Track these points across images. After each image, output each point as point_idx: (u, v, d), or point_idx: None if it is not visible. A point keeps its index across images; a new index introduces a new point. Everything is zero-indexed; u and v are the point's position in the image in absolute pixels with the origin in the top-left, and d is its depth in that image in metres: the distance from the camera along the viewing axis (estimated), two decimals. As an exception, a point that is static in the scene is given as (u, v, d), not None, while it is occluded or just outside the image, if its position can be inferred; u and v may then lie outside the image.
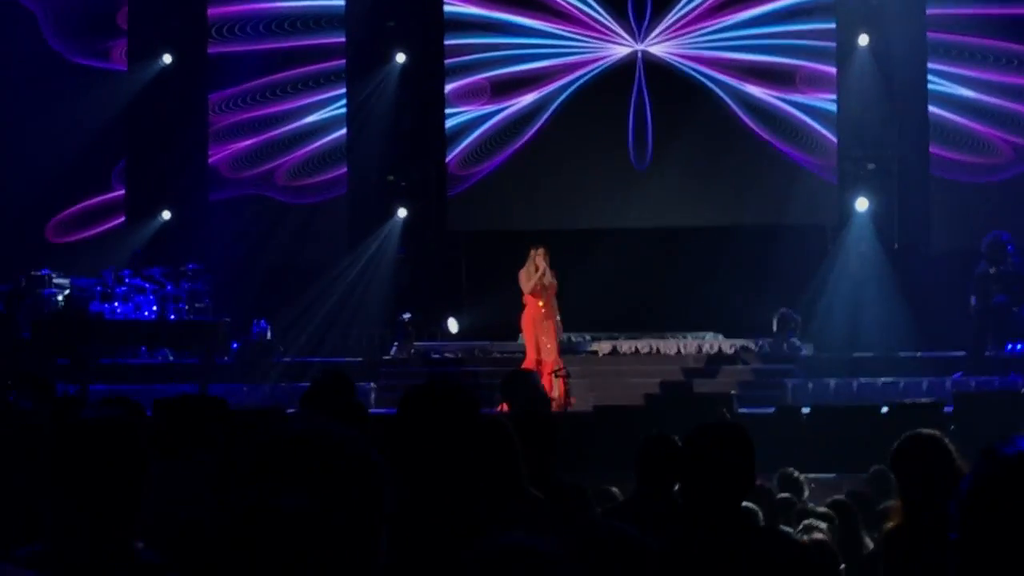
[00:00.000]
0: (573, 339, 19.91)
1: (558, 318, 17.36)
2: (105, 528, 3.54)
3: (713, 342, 19.62)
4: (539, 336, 17.18)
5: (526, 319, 17.32)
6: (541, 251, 17.15)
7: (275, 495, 2.35)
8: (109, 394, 15.11)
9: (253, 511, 2.32)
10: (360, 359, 19.41)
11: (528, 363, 16.95)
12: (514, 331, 20.29)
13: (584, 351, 19.63)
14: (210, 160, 21.96)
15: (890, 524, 5.47)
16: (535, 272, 17.07)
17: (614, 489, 8.80)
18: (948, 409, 14.65)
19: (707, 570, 4.68)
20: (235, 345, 19.87)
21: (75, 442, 3.64)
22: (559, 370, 16.82)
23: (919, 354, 18.80)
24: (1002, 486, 2.35)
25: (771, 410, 15.51)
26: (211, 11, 22.10)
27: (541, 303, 17.14)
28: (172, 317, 20.00)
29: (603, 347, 19.61)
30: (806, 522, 7.10)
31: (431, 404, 4.05)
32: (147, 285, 20.14)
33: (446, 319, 21.08)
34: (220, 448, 6.23)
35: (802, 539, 6.36)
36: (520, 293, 20.01)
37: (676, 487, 6.11)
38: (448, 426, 4.00)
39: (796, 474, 9.90)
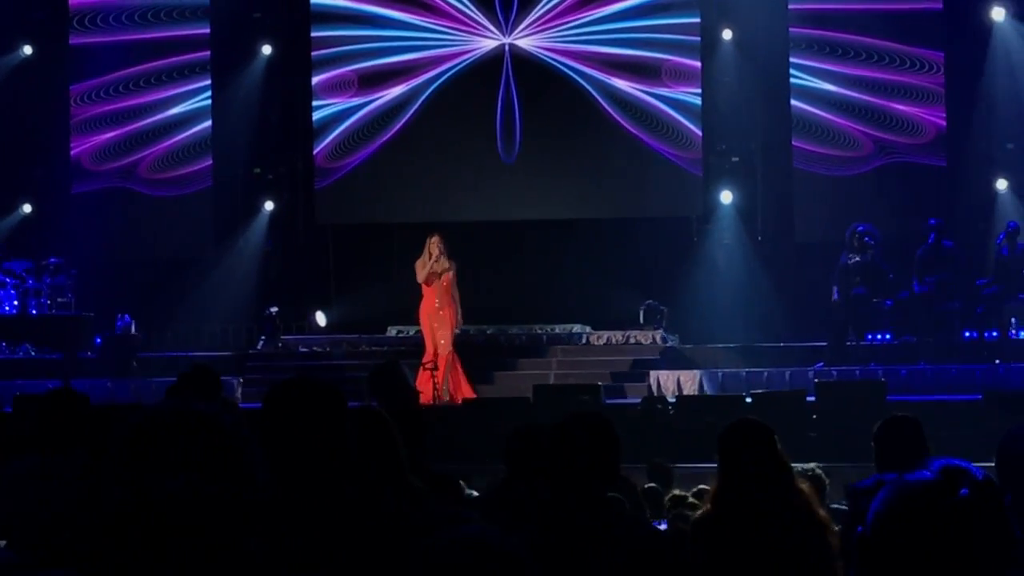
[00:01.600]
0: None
1: (457, 308, 17.25)
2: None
3: (581, 334, 19.75)
4: (433, 327, 17.13)
5: (421, 310, 17.25)
6: (435, 238, 17.10)
7: (157, 477, 2.35)
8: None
9: (139, 495, 2.31)
10: (227, 353, 19.27)
11: (427, 356, 16.93)
12: (382, 325, 20.31)
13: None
14: (72, 152, 21.60)
15: (701, 510, 5.50)
16: (429, 260, 17.01)
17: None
18: (811, 399, 14.91)
19: (569, 556, 4.73)
20: (98, 340, 19.61)
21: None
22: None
23: (782, 344, 19.11)
24: (909, 512, 2.46)
25: (637, 401, 15.67)
26: (72, 1, 21.74)
27: (436, 295, 17.07)
28: (34, 312, 19.67)
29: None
30: (676, 511, 7.18)
31: (296, 398, 4.04)
32: (7, 280, 19.80)
33: (314, 313, 21.00)
34: (85, 444, 6.14)
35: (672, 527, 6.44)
36: (386, 286, 20.05)
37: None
38: (313, 419, 4.00)
39: (666, 464, 10.02)
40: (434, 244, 17.03)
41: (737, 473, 5.08)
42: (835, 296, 18.59)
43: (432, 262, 16.97)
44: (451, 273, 17.07)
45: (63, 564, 4.04)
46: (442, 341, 17.02)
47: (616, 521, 4.95)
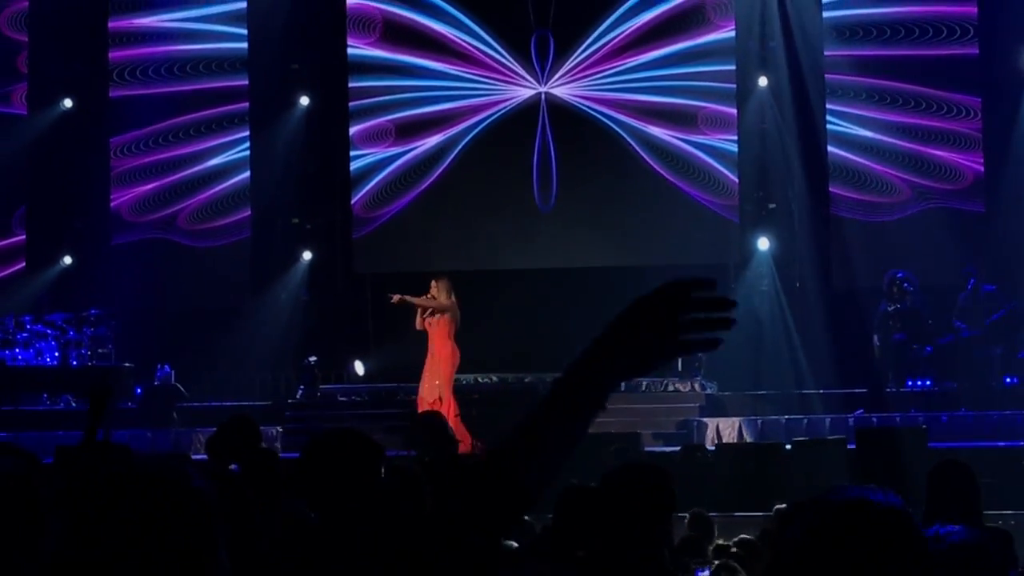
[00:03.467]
0: (480, 379, 19.95)
1: (450, 354, 17.15)
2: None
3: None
4: (428, 374, 17.12)
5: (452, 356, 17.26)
6: (432, 282, 17.14)
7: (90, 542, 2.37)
8: (8, 441, 14.92)
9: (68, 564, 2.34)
10: (266, 403, 19.30)
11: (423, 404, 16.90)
12: (420, 373, 20.29)
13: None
14: (112, 204, 21.77)
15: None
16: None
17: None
18: (851, 446, 14.83)
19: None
20: (139, 390, 19.69)
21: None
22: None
23: (821, 391, 19.02)
24: (831, 532, 2.48)
25: (677, 449, 15.61)
26: (112, 54, 21.95)
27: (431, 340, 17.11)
28: (74, 363, 19.78)
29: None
30: (721, 561, 7.14)
31: (335, 449, 4.06)
32: (48, 331, 19.93)
33: (352, 362, 21.02)
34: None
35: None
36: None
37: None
38: (351, 470, 4.02)
39: (705, 514, 9.97)
40: (432, 288, 17.07)
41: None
42: (875, 343, 18.52)
43: (424, 307, 17.00)
44: (442, 320, 17.02)
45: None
46: (439, 385, 16.98)
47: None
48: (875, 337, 18.49)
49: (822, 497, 2.56)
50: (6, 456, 5.82)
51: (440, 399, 16.82)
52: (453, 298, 17.11)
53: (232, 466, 7.13)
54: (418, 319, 17.09)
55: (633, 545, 4.80)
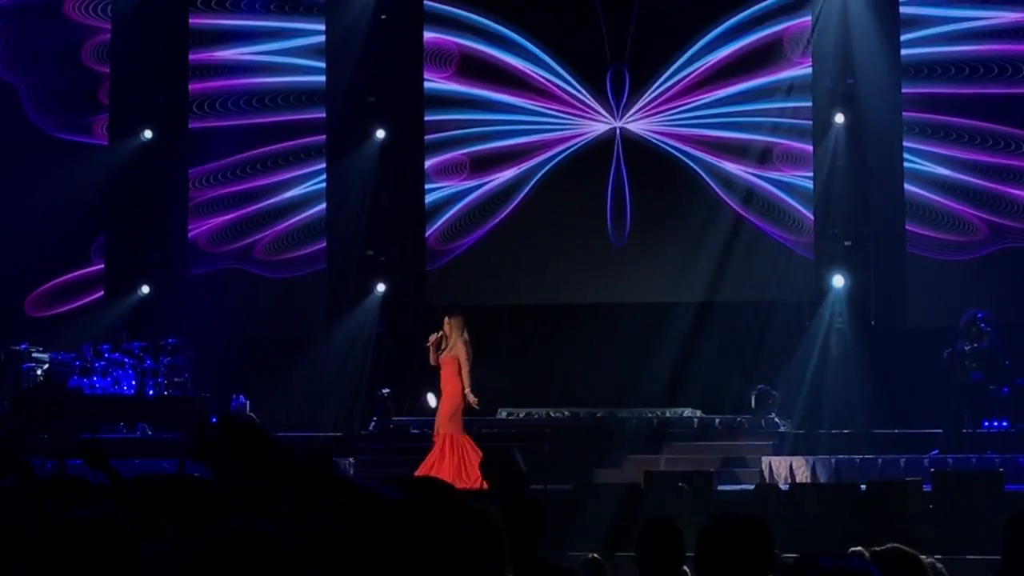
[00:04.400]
0: (552, 414, 19.96)
1: (460, 390, 17.23)
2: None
3: (692, 418, 19.66)
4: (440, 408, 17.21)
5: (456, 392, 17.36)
6: (446, 319, 17.24)
7: None
8: (94, 472, 15.07)
9: None
10: (338, 434, 19.40)
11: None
12: (492, 407, 20.35)
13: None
14: (190, 234, 22.00)
15: None
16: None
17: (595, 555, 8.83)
18: (927, 487, 14.69)
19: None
20: (214, 420, 19.79)
21: (65, 540, 3.63)
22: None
23: (896, 431, 18.86)
24: None
25: (751, 487, 15.52)
26: (192, 86, 22.21)
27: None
28: (151, 392, 19.96)
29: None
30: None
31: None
32: (126, 360, 20.12)
33: (425, 394, 21.06)
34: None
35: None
36: (497, 367, 20.13)
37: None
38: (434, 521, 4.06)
39: (780, 555, 9.87)
40: (446, 325, 17.16)
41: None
42: (951, 382, 18.38)
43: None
44: (448, 356, 17.13)
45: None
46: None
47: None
48: (950, 376, 18.34)
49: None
50: (105, 501, 5.92)
51: (438, 433, 16.94)
52: (466, 335, 17.17)
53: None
54: (432, 355, 17.19)
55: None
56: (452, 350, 17.08)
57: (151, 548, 5.55)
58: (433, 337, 17.18)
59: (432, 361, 17.22)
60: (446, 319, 17.27)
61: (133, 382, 20.00)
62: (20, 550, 3.94)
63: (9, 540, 4.43)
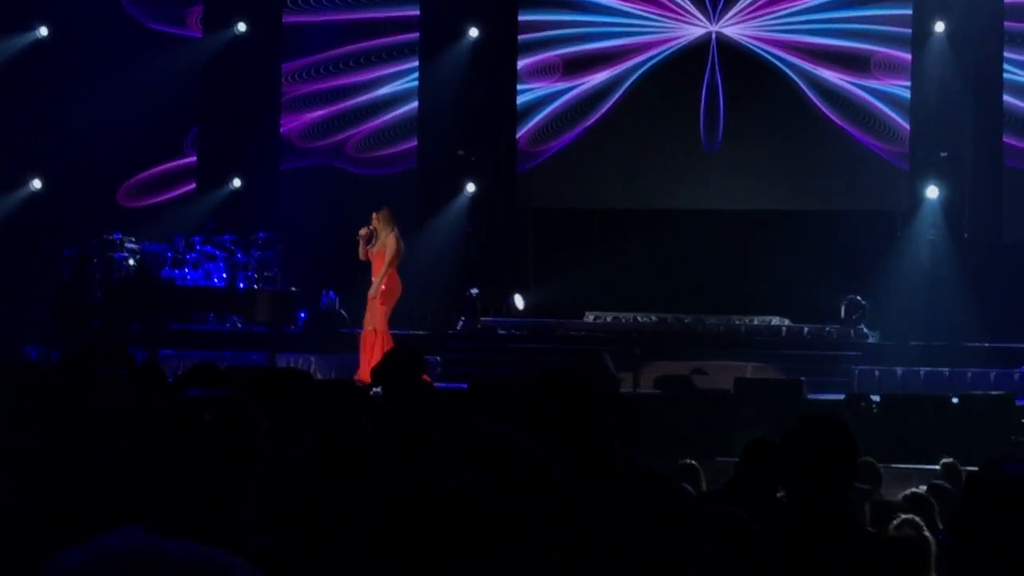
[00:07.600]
0: (640, 318, 19.98)
1: (389, 287, 16.85)
2: (215, 509, 3.48)
3: (780, 326, 19.60)
4: (369, 305, 16.91)
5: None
6: (374, 214, 16.88)
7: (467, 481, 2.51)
8: (184, 360, 15.29)
9: (451, 496, 2.46)
10: (426, 332, 19.51)
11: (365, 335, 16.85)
12: (579, 310, 20.41)
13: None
14: (282, 129, 22.09)
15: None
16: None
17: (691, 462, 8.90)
18: (1020, 401, 14.60)
19: (810, 564, 4.70)
20: (303, 315, 19.98)
21: (190, 419, 3.67)
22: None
23: (987, 344, 18.71)
24: (1003, 499, 2.50)
25: (841, 396, 15.46)
26: (286, -21, 22.20)
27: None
28: (241, 285, 20.15)
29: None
30: (902, 517, 7.07)
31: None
32: (217, 252, 20.31)
33: (513, 296, 21.14)
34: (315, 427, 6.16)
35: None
36: (585, 271, 20.11)
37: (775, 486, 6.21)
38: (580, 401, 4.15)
39: (876, 464, 9.87)
40: (374, 219, 16.82)
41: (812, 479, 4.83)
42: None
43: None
44: (381, 251, 16.71)
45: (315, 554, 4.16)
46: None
47: (849, 529, 4.90)
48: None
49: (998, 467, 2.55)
50: (224, 385, 5.96)
51: (374, 330, 16.72)
52: (396, 231, 16.83)
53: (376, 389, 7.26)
54: (361, 248, 16.86)
55: (818, 495, 4.81)
56: (381, 244, 16.76)
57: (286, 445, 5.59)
58: (363, 231, 16.84)
59: (361, 255, 16.77)
60: (374, 214, 16.93)
61: (224, 275, 20.20)
62: (132, 434, 3.97)
63: (117, 425, 4.48)
